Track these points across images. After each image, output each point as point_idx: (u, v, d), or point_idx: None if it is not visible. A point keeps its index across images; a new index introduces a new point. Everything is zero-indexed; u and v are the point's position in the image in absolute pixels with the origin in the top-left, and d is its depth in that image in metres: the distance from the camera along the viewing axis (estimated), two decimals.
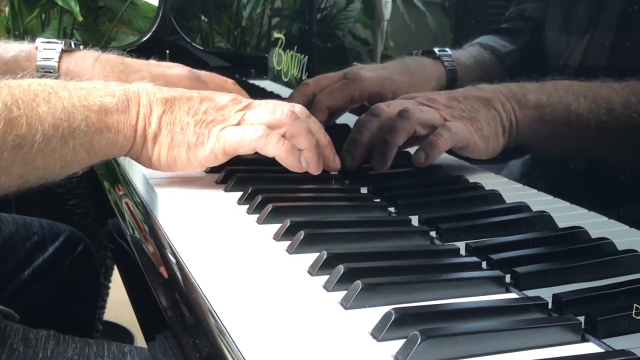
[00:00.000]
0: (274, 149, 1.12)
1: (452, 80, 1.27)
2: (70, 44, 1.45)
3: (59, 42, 1.44)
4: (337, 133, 1.42)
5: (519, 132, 1.11)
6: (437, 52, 1.29)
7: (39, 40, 1.44)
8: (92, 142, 1.06)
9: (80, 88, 1.07)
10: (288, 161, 1.13)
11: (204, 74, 1.51)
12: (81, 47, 1.48)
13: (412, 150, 1.24)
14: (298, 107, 1.17)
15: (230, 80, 1.53)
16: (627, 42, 0.94)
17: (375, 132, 1.24)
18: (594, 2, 1.00)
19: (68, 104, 1.03)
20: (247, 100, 1.16)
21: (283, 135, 1.13)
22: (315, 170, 1.16)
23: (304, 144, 1.14)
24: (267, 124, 1.12)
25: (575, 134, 1.00)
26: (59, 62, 1.41)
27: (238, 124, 1.12)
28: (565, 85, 1.02)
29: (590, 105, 0.97)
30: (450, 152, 1.23)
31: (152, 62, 1.48)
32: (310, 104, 1.47)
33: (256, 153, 1.13)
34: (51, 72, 1.40)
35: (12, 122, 0.96)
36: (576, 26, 1.03)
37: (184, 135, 1.11)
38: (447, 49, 1.28)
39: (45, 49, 1.42)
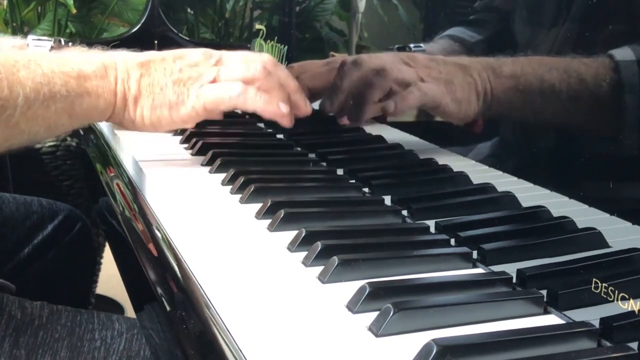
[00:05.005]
0: (253, 103, 1.13)
1: None
2: (59, 41, 1.44)
3: (49, 39, 1.43)
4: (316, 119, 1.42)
5: (494, 99, 1.10)
6: (412, 48, 1.29)
7: (30, 37, 1.43)
8: (73, 106, 1.05)
9: (59, 57, 1.08)
10: (268, 111, 1.14)
11: None
12: (70, 43, 1.47)
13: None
14: (266, 57, 1.18)
15: None
16: (588, 31, 0.94)
17: (355, 81, 1.24)
18: None
19: (47, 70, 1.03)
20: (217, 54, 1.16)
21: (257, 89, 1.13)
22: (288, 122, 1.17)
23: (277, 97, 1.14)
24: (242, 80, 1.12)
25: (544, 103, 1.00)
26: None
27: (214, 80, 1.13)
28: (538, 59, 1.02)
29: (560, 77, 0.96)
30: (425, 114, 1.22)
31: (132, 53, 1.48)
32: None
33: (242, 136, 1.13)
34: None
35: None
36: (541, 15, 1.03)
37: (164, 95, 1.12)
38: (421, 45, 1.28)
39: (36, 46, 1.41)
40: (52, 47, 1.42)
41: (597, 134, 0.93)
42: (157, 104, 1.11)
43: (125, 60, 1.11)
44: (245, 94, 1.11)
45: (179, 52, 1.15)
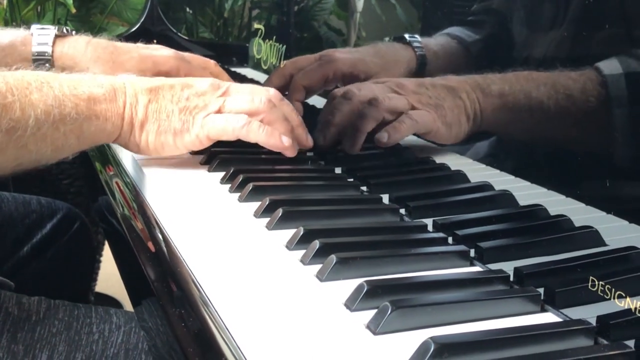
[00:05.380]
0: (255, 135, 1.13)
1: (422, 64, 1.27)
2: (63, 30, 1.44)
3: (53, 27, 1.43)
4: (311, 115, 1.42)
5: (484, 120, 1.11)
6: (407, 38, 1.29)
7: (34, 26, 1.43)
8: (81, 128, 1.06)
9: (70, 79, 1.08)
10: (270, 144, 1.14)
11: (187, 55, 1.51)
12: (73, 32, 1.47)
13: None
14: (272, 92, 1.18)
15: (211, 61, 1.53)
16: (585, 32, 0.94)
17: (347, 114, 1.24)
18: None
19: (59, 92, 1.04)
20: (225, 85, 1.16)
21: (261, 121, 1.13)
22: (291, 153, 1.16)
23: (280, 129, 1.15)
24: (247, 112, 1.13)
25: (535, 120, 1.00)
26: (52, 46, 1.41)
27: (219, 110, 1.13)
28: (525, 75, 1.02)
29: (549, 92, 0.97)
30: (416, 135, 1.23)
31: (140, 45, 1.48)
32: (287, 84, 1.47)
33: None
34: (45, 56, 1.40)
35: (6, 107, 0.97)
36: (538, 18, 1.03)
37: (170, 122, 1.12)
38: (416, 36, 1.28)
39: (40, 34, 1.41)
40: (56, 35, 1.42)
41: (589, 144, 0.93)
42: (162, 130, 1.12)
43: (134, 84, 1.12)
44: (249, 126, 1.12)
45: (187, 81, 1.15)
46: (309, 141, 1.22)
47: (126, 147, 1.15)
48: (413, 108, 1.20)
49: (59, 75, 1.07)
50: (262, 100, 1.14)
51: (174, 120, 1.12)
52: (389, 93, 1.23)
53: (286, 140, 1.14)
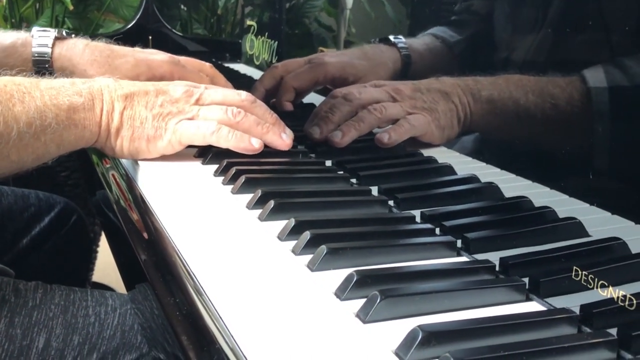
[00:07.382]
0: (225, 141, 1.14)
1: (407, 64, 1.28)
2: (62, 33, 1.45)
3: (53, 30, 1.44)
4: (303, 112, 1.42)
5: (472, 123, 1.12)
6: (392, 39, 1.30)
7: (34, 29, 1.43)
8: (61, 137, 1.08)
9: (51, 87, 1.08)
10: (241, 148, 1.15)
11: (182, 58, 1.50)
12: (72, 35, 1.47)
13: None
14: (244, 96, 1.19)
15: (207, 64, 1.53)
16: (564, 36, 0.94)
17: (346, 115, 1.25)
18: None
19: (40, 102, 1.04)
20: (198, 92, 1.17)
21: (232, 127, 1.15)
22: (283, 147, 1.18)
23: (256, 134, 1.16)
24: (219, 122, 1.13)
25: (522, 123, 1.00)
26: (52, 48, 1.41)
27: (193, 118, 1.14)
28: (516, 81, 1.02)
29: (536, 98, 0.97)
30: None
31: (136, 49, 1.48)
32: (278, 85, 1.48)
33: None
34: (45, 57, 1.40)
35: None
36: (518, 20, 1.03)
37: (144, 129, 1.13)
38: (401, 37, 1.29)
39: (40, 36, 1.42)
40: (55, 37, 1.42)
41: (573, 138, 0.93)
42: (136, 137, 1.13)
43: (111, 91, 1.13)
44: (218, 133, 1.13)
45: (162, 87, 1.16)
46: (283, 138, 1.21)
47: (102, 150, 1.17)
48: (409, 113, 1.21)
49: (39, 82, 1.07)
50: (233, 112, 1.15)
51: (147, 126, 1.13)
52: (386, 98, 1.24)
53: (256, 142, 1.15)
